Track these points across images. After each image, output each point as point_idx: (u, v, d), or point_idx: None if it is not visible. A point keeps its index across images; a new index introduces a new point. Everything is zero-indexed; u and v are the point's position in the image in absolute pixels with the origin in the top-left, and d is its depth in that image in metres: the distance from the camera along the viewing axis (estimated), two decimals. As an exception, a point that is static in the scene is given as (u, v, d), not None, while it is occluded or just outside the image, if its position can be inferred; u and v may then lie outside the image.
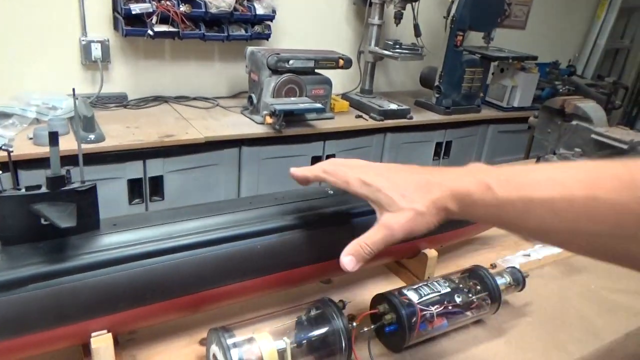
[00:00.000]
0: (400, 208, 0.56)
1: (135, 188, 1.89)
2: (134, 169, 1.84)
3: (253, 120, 2.16)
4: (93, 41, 2.07)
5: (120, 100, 2.20)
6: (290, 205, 0.71)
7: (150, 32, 2.02)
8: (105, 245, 0.57)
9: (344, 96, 2.67)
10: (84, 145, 1.71)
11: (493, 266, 0.86)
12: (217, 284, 0.62)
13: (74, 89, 0.69)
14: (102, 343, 0.55)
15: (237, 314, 0.71)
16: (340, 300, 0.66)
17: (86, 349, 0.60)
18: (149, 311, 0.59)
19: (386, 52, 2.48)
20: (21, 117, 1.78)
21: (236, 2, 2.18)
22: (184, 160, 1.95)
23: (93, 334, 0.55)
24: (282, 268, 0.66)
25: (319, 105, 2.13)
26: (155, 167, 1.89)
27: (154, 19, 2.02)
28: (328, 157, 2.32)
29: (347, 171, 0.62)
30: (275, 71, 2.12)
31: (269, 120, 2.05)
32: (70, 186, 0.55)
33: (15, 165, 1.64)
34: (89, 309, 0.55)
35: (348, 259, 0.58)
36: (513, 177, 0.49)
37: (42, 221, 0.54)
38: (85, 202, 0.57)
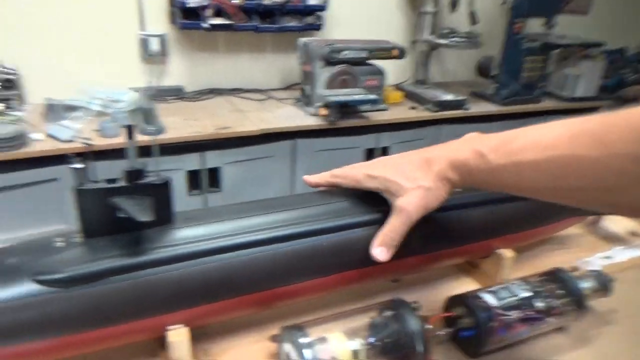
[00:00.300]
0: (409, 189, 0.60)
1: (193, 179, 1.93)
2: (193, 161, 1.88)
3: (306, 112, 2.16)
4: (151, 35, 2.12)
5: (177, 93, 2.25)
6: (356, 200, 0.68)
7: (205, 25, 2.04)
8: (180, 239, 0.57)
9: (397, 87, 2.62)
10: (145, 137, 1.76)
11: (574, 269, 0.81)
12: (288, 281, 0.61)
13: (149, 83, 0.69)
14: (178, 337, 0.55)
15: (306, 311, 0.70)
16: (414, 302, 0.64)
17: (162, 342, 0.61)
18: (223, 306, 0.59)
19: (441, 41, 2.40)
20: (87, 110, 1.85)
21: (289, -7, 2.17)
22: (240, 152, 1.97)
23: (170, 328, 0.56)
24: (351, 266, 0.65)
25: (373, 96, 2.10)
26: (213, 158, 1.92)
27: (210, 11, 2.04)
28: (383, 149, 2.29)
29: (354, 171, 0.67)
30: (328, 62, 2.10)
31: (322, 112, 2.03)
32: (146, 179, 0.56)
33: (86, 157, 1.71)
34: (165, 302, 0.55)
35: (378, 250, 0.62)
36: (503, 144, 0.54)
37: (120, 214, 0.54)
38: (160, 196, 0.57)
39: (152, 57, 2.15)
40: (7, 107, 1.80)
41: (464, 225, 0.72)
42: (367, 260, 0.65)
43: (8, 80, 1.86)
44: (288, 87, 2.53)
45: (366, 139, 2.23)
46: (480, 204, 0.73)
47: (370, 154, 2.27)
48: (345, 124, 2.12)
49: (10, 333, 0.49)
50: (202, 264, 0.56)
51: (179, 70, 2.28)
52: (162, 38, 2.14)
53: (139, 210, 0.52)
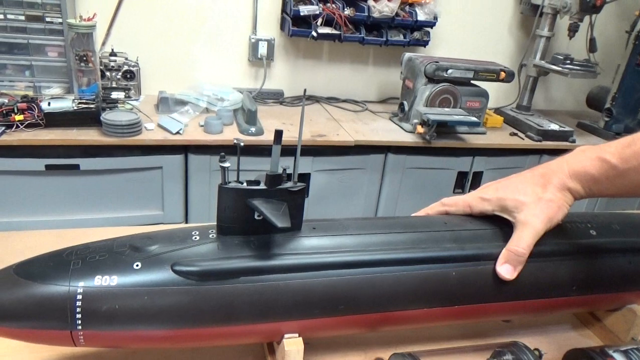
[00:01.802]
0: (528, 203, 0.58)
1: (283, 182, 1.96)
2: (286, 164, 1.91)
3: (402, 128, 2.12)
4: (261, 39, 2.20)
5: (277, 97, 2.31)
6: (486, 231, 0.65)
7: (314, 33, 2.08)
8: (307, 248, 0.57)
9: (498, 111, 2.51)
10: (245, 137, 1.82)
11: None
12: (409, 306, 0.59)
13: (304, 91, 0.70)
14: (294, 346, 0.55)
15: (410, 339, 0.68)
16: (536, 349, 0.59)
17: (271, 347, 0.61)
18: (337, 322, 0.58)
19: (554, 67, 2.27)
20: (194, 106, 1.95)
21: (399, 7, 2.16)
22: (332, 160, 1.98)
23: (286, 336, 0.56)
24: (473, 300, 0.61)
25: (474, 118, 2.02)
26: (304, 164, 1.94)
27: (319, 20, 2.08)
28: (475, 174, 2.20)
29: (464, 197, 0.66)
30: (431, 79, 2.05)
31: (420, 129, 1.99)
32: (284, 185, 0.57)
33: (186, 150, 1.80)
34: (286, 309, 0.55)
35: (505, 267, 0.59)
36: (626, 148, 0.54)
37: (256, 216, 0.56)
38: (294, 203, 0.57)
39: (259, 60, 2.23)
40: (126, 97, 1.94)
41: (595, 272, 0.66)
42: (499, 295, 0.61)
43: (130, 72, 2.01)
44: (385, 101, 2.52)
45: (460, 161, 2.15)
46: (617, 251, 0.67)
47: (462, 178, 2.19)
48: (441, 144, 2.06)
49: (142, 316, 0.51)
50: (326, 276, 0.56)
51: (282, 74, 2.34)
52: (270, 42, 2.21)
53: (277, 216, 0.53)
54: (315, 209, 2.02)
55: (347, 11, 2.10)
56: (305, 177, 1.99)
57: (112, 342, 0.54)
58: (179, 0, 2.08)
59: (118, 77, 2.01)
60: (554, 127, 2.31)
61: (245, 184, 0.56)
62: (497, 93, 2.57)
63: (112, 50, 2.01)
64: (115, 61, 1.99)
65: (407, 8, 2.22)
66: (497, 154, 2.19)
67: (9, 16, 1.78)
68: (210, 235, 0.56)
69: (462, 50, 2.47)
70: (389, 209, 2.13)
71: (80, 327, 0.50)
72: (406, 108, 2.13)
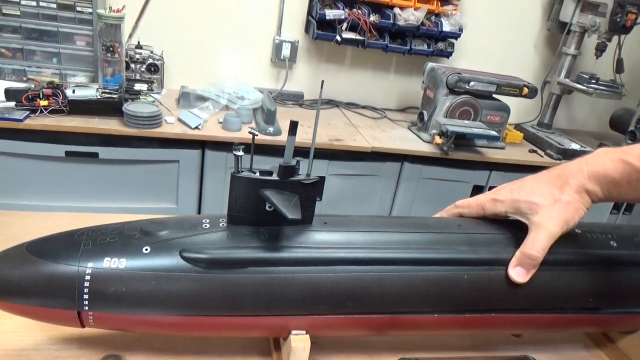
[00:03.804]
0: (544, 205, 0.55)
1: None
2: (301, 166, 1.91)
3: (420, 137, 2.11)
4: (285, 41, 2.21)
5: (297, 99, 2.32)
6: (500, 235, 0.63)
7: (338, 37, 2.09)
8: (316, 242, 0.57)
9: (518, 127, 2.48)
10: (263, 137, 1.83)
11: None
12: (418, 308, 0.58)
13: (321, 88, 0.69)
14: (301, 343, 0.55)
15: (418, 346, 0.67)
16: (546, 365, 0.58)
17: (277, 343, 0.60)
18: (345, 322, 0.57)
19: (579, 86, 2.24)
20: (215, 102, 1.97)
21: (425, 16, 2.15)
22: (348, 165, 1.98)
23: (293, 332, 0.55)
24: (485, 305, 0.60)
25: (493, 132, 2.00)
26: (320, 167, 1.94)
27: (344, 25, 2.08)
28: (491, 188, 2.17)
29: (478, 198, 0.64)
30: (452, 91, 2.04)
31: (438, 140, 1.98)
32: (297, 177, 0.56)
33: (203, 145, 1.81)
34: (292, 303, 0.55)
35: (517, 270, 0.56)
36: None
37: (267, 207, 0.55)
38: (307, 195, 0.57)
39: (281, 61, 2.24)
40: (149, 89, 1.97)
41: (614, 285, 0.64)
42: (511, 301, 0.59)
43: (154, 65, 2.03)
44: (404, 110, 2.51)
45: (477, 175, 2.13)
46: (638, 264, 0.64)
47: (478, 191, 2.17)
48: (458, 156, 2.04)
49: (149, 300, 0.52)
50: (334, 271, 0.55)
51: (303, 77, 2.35)
52: (294, 44, 2.22)
53: (288, 208, 0.52)
54: (327, 212, 2.01)
55: (373, 17, 2.11)
56: (320, 181, 1.99)
57: (119, 325, 0.54)
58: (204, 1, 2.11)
59: (142, 69, 2.03)
60: (575, 146, 2.28)
61: (257, 173, 0.55)
62: (518, 109, 2.54)
63: (139, 42, 2.04)
64: (140, 54, 2.02)
65: (433, 18, 2.22)
66: (514, 170, 2.17)
67: (41, 4, 1.82)
68: (221, 224, 0.56)
69: (486, 63, 2.45)
70: (403, 215, 2.12)
71: (87, 308, 0.50)
72: (425, 118, 2.12)
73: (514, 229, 0.61)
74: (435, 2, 2.19)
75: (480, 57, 2.49)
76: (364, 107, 2.42)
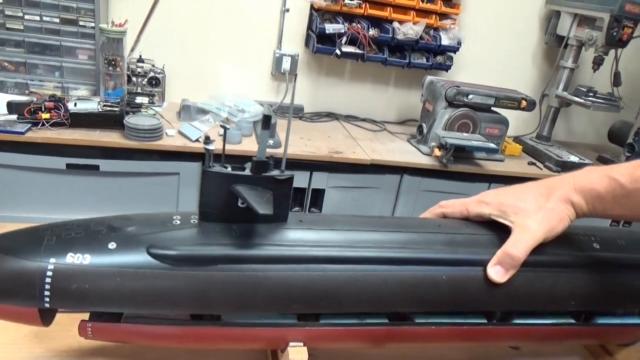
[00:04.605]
0: (529, 211, 0.56)
1: (297, 197, 1.97)
2: (300, 179, 1.92)
3: (419, 150, 2.12)
4: (285, 54, 2.23)
5: (297, 112, 2.33)
6: (481, 236, 0.61)
7: (338, 51, 2.11)
8: (290, 240, 0.55)
9: (517, 139, 2.50)
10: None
11: None
12: (395, 308, 0.57)
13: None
14: (298, 355, 0.55)
15: (417, 356, 0.67)
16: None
17: (274, 355, 0.61)
18: (342, 334, 0.58)
19: (576, 99, 2.26)
20: (215, 115, 1.98)
21: (423, 30, 2.18)
22: (347, 178, 1.99)
23: (291, 344, 0.56)
24: (464, 305, 0.59)
25: (492, 145, 2.01)
26: (319, 179, 1.95)
27: (344, 39, 2.11)
28: (491, 200, 2.17)
29: (463, 199, 0.64)
30: (451, 104, 2.05)
31: (437, 152, 1.99)
32: (270, 173, 0.54)
33: (204, 158, 1.82)
34: (264, 302, 0.53)
35: (496, 269, 0.56)
36: (635, 169, 0.53)
37: (240, 204, 0.54)
38: (281, 192, 0.55)
39: (282, 74, 2.26)
40: (150, 102, 1.98)
41: (596, 287, 0.63)
42: (490, 302, 0.59)
43: (155, 78, 2.05)
44: (403, 122, 2.52)
45: (476, 187, 2.14)
46: (621, 266, 0.64)
47: (477, 204, 2.17)
48: (457, 169, 2.05)
49: (113, 297, 0.50)
50: (308, 270, 0.54)
51: (303, 90, 2.37)
52: (294, 58, 2.25)
53: (259, 203, 0.51)
54: (327, 225, 2.02)
55: (372, 31, 2.13)
56: (319, 193, 2.00)
57: (116, 337, 0.55)
58: (207, 12, 2.14)
59: (144, 82, 2.05)
60: (574, 158, 2.29)
61: (229, 169, 0.54)
62: (517, 121, 2.56)
63: (140, 56, 2.06)
64: (142, 67, 2.04)
65: (431, 32, 2.24)
66: (513, 182, 2.14)
67: (44, 18, 1.85)
68: (192, 221, 0.55)
69: (484, 77, 2.47)
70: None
71: (48, 305, 0.49)
72: (425, 130, 2.13)
73: (497, 231, 0.60)
74: (434, 17, 2.21)
75: (479, 70, 2.51)
76: (363, 120, 2.44)
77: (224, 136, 0.55)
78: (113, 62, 1.85)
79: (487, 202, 0.61)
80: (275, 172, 0.55)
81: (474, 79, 2.40)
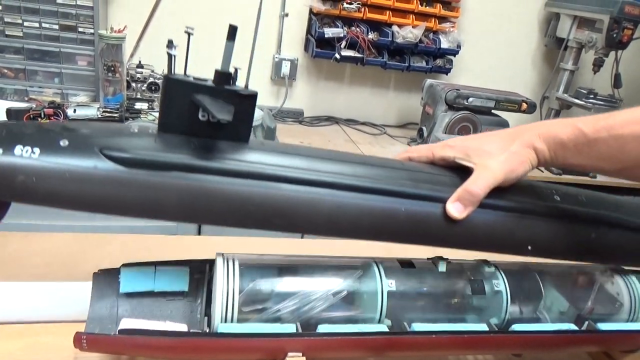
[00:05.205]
0: (492, 152, 0.57)
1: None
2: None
3: (420, 153, 2.12)
4: (284, 59, 2.23)
5: (296, 116, 2.33)
6: (444, 177, 0.61)
7: (337, 55, 2.11)
8: (248, 158, 0.54)
9: (518, 142, 2.49)
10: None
11: None
12: (350, 235, 0.56)
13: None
14: (298, 367, 0.54)
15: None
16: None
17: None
18: (344, 343, 0.57)
19: (577, 101, 2.25)
20: (215, 120, 1.98)
21: (422, 34, 2.18)
22: (347, 182, 1.98)
23: (290, 354, 0.55)
24: (421, 239, 0.58)
25: (493, 148, 2.00)
26: (319, 184, 1.94)
27: (343, 43, 2.10)
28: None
29: (429, 144, 0.65)
30: (451, 107, 2.05)
31: (437, 156, 1.98)
32: (233, 87, 0.53)
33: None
34: (217, 214, 0.52)
35: (455, 205, 0.57)
36: (601, 119, 0.54)
37: (200, 116, 0.52)
38: (243, 109, 0.53)
39: (281, 79, 2.26)
40: (150, 108, 1.98)
41: (553, 236, 0.63)
42: (449, 239, 0.59)
43: (155, 84, 2.05)
44: (404, 126, 2.52)
45: (477, 190, 2.13)
46: (580, 219, 0.64)
47: (479, 207, 2.16)
48: (458, 172, 2.04)
49: (61, 195, 0.49)
50: (263, 187, 0.53)
51: (303, 94, 2.36)
52: (293, 62, 2.25)
53: (218, 109, 0.49)
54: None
55: (371, 35, 2.13)
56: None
57: (111, 349, 0.54)
58: (206, 18, 2.14)
59: (143, 88, 2.05)
60: (575, 161, 2.28)
61: (192, 78, 0.53)
62: (517, 124, 2.54)
63: (140, 62, 2.06)
64: (141, 73, 2.04)
65: (431, 35, 2.24)
66: (515, 185, 2.16)
67: (44, 25, 1.85)
68: (150, 131, 0.54)
69: (484, 80, 2.47)
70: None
71: None
72: (425, 134, 2.13)
73: (460, 174, 0.61)
74: (433, 20, 2.21)
75: (479, 73, 2.51)
76: (363, 124, 2.43)
77: (187, 44, 0.53)
78: (112, 68, 1.85)
79: (452, 145, 0.63)
80: (238, 87, 0.54)
81: (474, 82, 2.39)
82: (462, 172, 0.60)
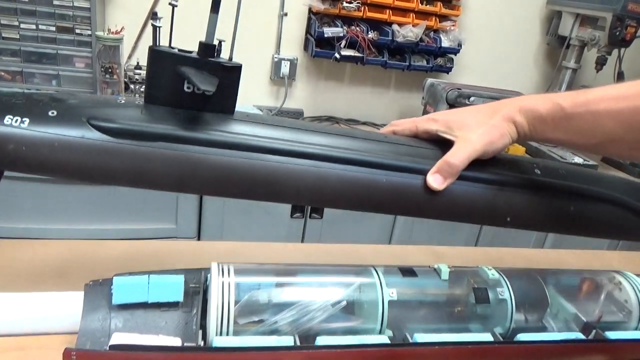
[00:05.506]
0: (473, 125, 0.59)
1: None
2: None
3: (421, 154, 2.10)
4: (284, 59, 2.21)
5: (296, 116, 2.31)
6: (426, 150, 0.62)
7: (337, 55, 2.09)
8: (233, 129, 0.55)
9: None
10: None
11: None
12: (333, 204, 0.58)
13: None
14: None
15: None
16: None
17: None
18: (344, 356, 0.55)
19: (579, 100, 2.23)
20: (214, 121, 1.96)
21: (423, 32, 2.16)
22: (348, 183, 1.96)
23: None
24: (402, 210, 0.60)
25: (495, 148, 1.99)
26: (320, 185, 1.93)
27: (343, 43, 2.09)
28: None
29: (413, 118, 0.65)
30: (452, 106, 2.03)
31: (439, 156, 1.96)
32: (218, 59, 0.55)
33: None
34: (202, 183, 0.54)
35: (435, 177, 0.58)
36: (579, 95, 0.55)
37: (185, 88, 0.54)
38: (228, 81, 0.55)
39: (281, 79, 2.24)
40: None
41: (533, 208, 0.63)
42: (428, 211, 0.60)
43: (153, 85, 2.03)
44: (404, 125, 2.50)
45: (479, 190, 2.11)
46: (559, 192, 0.64)
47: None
48: (460, 172, 2.02)
49: (50, 164, 0.50)
50: (248, 157, 0.54)
51: (302, 94, 2.34)
52: (292, 62, 2.23)
53: (202, 80, 0.51)
54: (328, 231, 2.00)
55: (371, 34, 2.11)
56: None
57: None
58: (205, 17, 2.12)
59: (141, 89, 2.03)
60: (578, 160, 2.26)
61: (177, 50, 0.54)
62: (519, 123, 2.54)
63: (138, 63, 2.04)
64: (139, 74, 2.02)
65: (431, 34, 2.22)
66: (517, 185, 2.15)
67: (40, 27, 1.83)
68: (137, 102, 0.55)
69: (486, 79, 2.45)
70: (404, 237, 2.10)
71: None
72: (426, 134, 2.11)
73: (441, 146, 0.61)
74: (434, 19, 2.19)
75: (480, 72, 2.49)
76: (364, 124, 2.42)
77: (172, 15, 0.54)
78: (110, 70, 1.84)
79: (435, 119, 0.64)
80: (223, 59, 0.55)
81: (475, 81, 2.37)
82: (444, 145, 0.61)
